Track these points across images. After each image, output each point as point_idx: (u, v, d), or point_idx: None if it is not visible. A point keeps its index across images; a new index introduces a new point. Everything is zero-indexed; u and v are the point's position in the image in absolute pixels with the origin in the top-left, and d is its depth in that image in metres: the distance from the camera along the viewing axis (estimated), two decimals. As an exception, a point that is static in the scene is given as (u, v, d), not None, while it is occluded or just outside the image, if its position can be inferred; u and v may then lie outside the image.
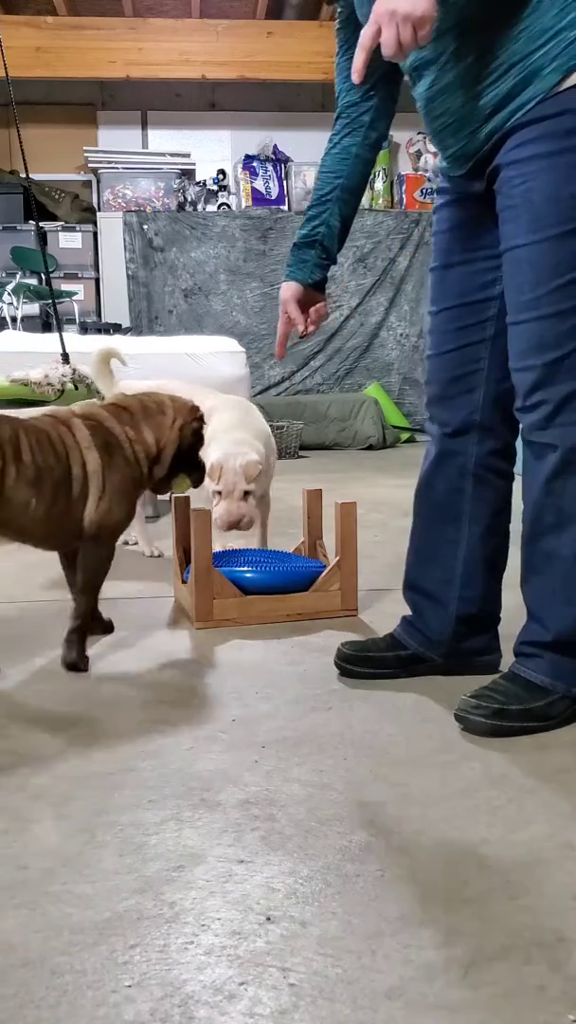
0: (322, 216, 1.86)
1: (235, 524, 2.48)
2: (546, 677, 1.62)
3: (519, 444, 1.73)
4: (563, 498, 1.58)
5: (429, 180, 6.88)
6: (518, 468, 1.77)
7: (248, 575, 2.29)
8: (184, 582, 2.39)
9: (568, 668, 1.62)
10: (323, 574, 2.32)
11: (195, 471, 2.13)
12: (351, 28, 1.77)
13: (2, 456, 1.79)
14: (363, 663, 1.88)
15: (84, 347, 4.25)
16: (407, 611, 1.91)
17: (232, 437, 2.58)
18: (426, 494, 1.86)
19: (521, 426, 1.64)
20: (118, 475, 1.94)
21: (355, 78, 1.42)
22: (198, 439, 2.12)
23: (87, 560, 1.97)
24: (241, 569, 2.32)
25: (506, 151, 1.54)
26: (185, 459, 2.07)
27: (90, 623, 2.04)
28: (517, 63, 1.48)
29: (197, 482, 2.16)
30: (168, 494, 2.27)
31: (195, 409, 2.11)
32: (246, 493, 2.50)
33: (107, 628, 2.21)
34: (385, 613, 2.33)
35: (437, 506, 1.84)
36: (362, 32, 1.40)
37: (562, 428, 1.56)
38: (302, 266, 1.88)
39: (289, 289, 1.89)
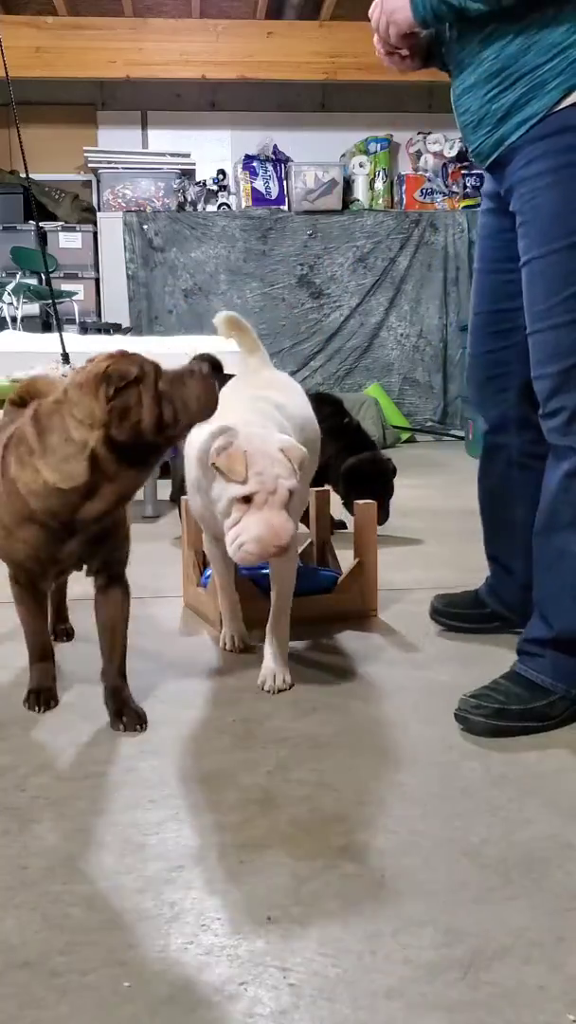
0: None
1: (283, 549, 1.60)
2: (547, 677, 1.63)
3: None
4: None
5: (429, 180, 6.88)
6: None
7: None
8: (200, 586, 2.35)
9: (569, 668, 1.63)
10: (344, 575, 2.30)
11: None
12: None
13: None
14: (451, 616, 2.15)
15: (84, 347, 4.25)
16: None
17: (246, 414, 1.77)
18: (482, 482, 2.07)
19: (543, 430, 1.67)
20: None
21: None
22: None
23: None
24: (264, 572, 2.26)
25: (517, 168, 1.61)
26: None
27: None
28: (527, 74, 1.54)
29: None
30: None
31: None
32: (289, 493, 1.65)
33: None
34: (403, 612, 2.33)
35: (492, 492, 2.05)
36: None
37: None
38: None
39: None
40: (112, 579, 1.75)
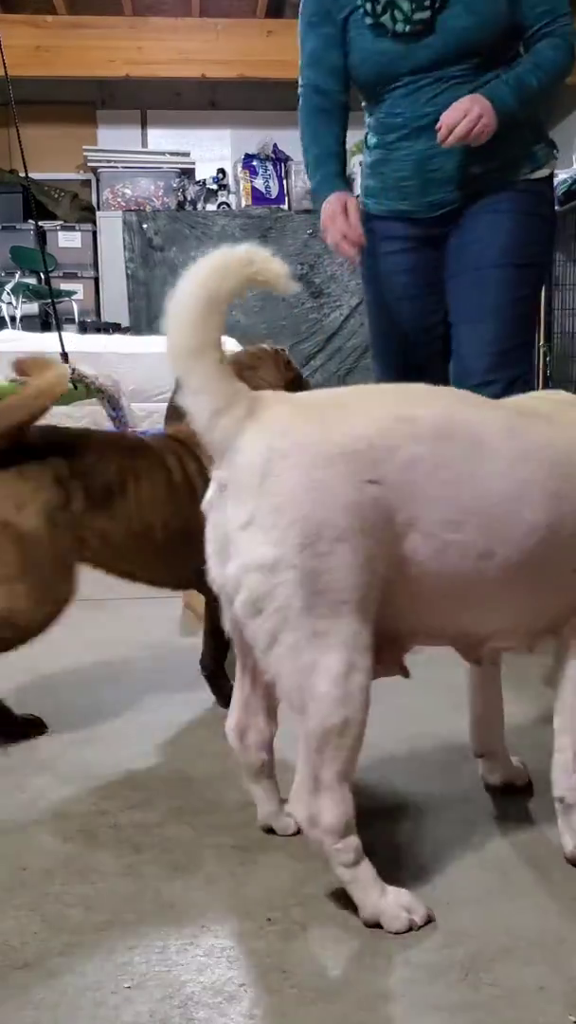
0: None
1: None
2: None
3: None
4: None
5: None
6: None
7: None
8: None
9: None
10: None
11: None
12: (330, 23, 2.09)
13: None
14: None
15: (83, 347, 4.25)
16: None
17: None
18: None
19: None
20: None
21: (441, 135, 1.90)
22: None
23: None
24: None
25: (482, 208, 2.04)
26: None
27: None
28: (504, 151, 1.99)
29: None
30: None
31: None
32: None
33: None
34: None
35: None
36: (451, 113, 1.87)
37: None
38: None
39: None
40: None
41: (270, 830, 1.30)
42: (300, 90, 2.23)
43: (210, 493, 1.12)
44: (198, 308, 1.05)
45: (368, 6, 1.97)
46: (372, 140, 2.15)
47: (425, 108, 1.99)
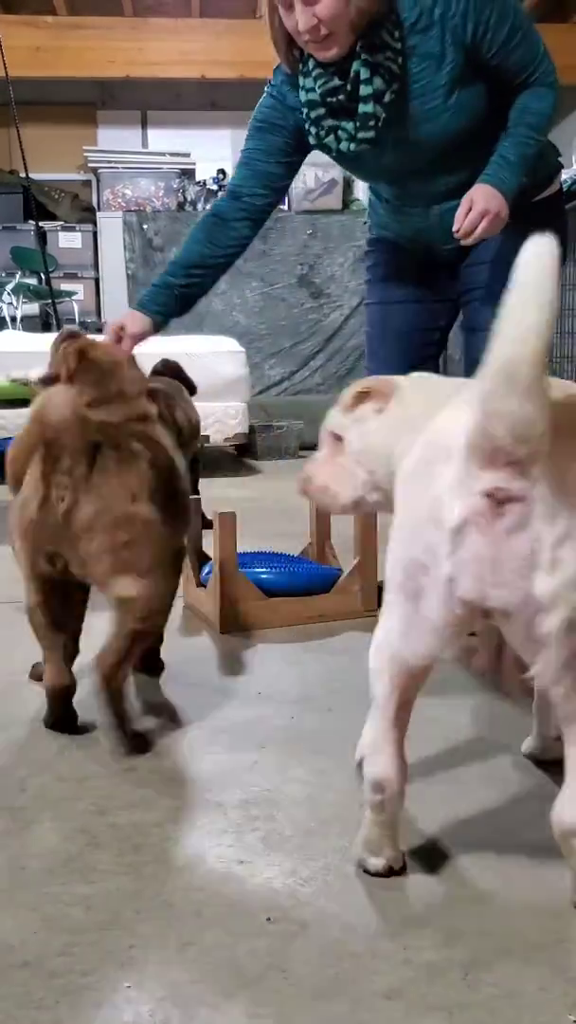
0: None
1: None
2: None
3: None
4: None
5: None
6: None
7: (265, 576, 2.25)
8: (201, 585, 2.35)
9: None
10: (344, 575, 2.30)
11: None
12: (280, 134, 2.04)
13: None
14: None
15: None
16: None
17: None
18: None
19: None
20: None
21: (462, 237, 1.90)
22: None
23: None
24: (260, 570, 2.28)
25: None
26: None
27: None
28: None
29: None
30: None
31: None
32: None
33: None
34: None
35: None
36: (470, 219, 1.86)
37: None
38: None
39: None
40: None
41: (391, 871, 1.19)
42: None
43: (475, 509, 1.04)
44: (543, 317, 0.97)
45: (312, 129, 1.95)
46: (387, 197, 2.15)
47: (437, 188, 2.04)
